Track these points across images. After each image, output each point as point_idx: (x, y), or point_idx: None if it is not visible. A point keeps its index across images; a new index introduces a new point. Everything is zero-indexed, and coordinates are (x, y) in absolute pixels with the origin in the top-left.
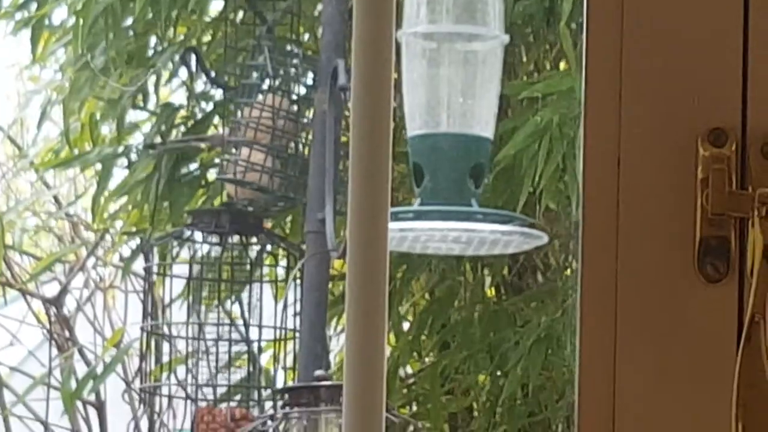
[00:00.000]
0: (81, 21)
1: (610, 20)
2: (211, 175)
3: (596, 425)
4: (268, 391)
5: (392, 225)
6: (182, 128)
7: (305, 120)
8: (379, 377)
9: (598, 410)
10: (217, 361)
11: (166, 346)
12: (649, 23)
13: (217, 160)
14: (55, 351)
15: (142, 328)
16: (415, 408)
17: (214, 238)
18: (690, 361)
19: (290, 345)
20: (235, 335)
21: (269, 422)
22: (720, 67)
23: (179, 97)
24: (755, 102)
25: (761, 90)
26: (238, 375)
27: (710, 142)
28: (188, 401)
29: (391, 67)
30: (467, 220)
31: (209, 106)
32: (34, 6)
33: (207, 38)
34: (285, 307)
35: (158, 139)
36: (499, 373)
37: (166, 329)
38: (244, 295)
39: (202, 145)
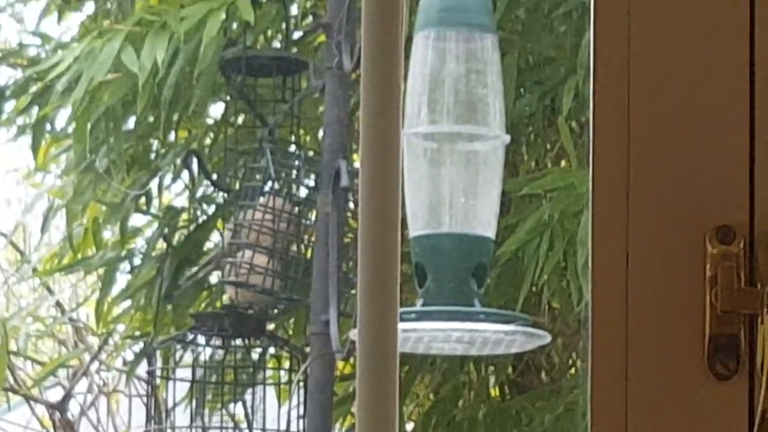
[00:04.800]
0: (82, 124)
1: (616, 119)
2: (214, 278)
3: None
4: None
5: None
6: (185, 231)
7: (307, 222)
8: None
9: None
10: None
11: None
12: (654, 123)
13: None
14: None
15: None
16: None
17: (217, 341)
18: None
19: None
20: None
21: None
22: (726, 164)
23: (182, 201)
24: (762, 199)
25: None
26: None
27: (718, 240)
28: None
29: (398, 166)
30: (470, 320)
31: (211, 209)
32: (35, 112)
33: (208, 141)
34: (289, 409)
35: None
36: None
37: None
38: (248, 398)
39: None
